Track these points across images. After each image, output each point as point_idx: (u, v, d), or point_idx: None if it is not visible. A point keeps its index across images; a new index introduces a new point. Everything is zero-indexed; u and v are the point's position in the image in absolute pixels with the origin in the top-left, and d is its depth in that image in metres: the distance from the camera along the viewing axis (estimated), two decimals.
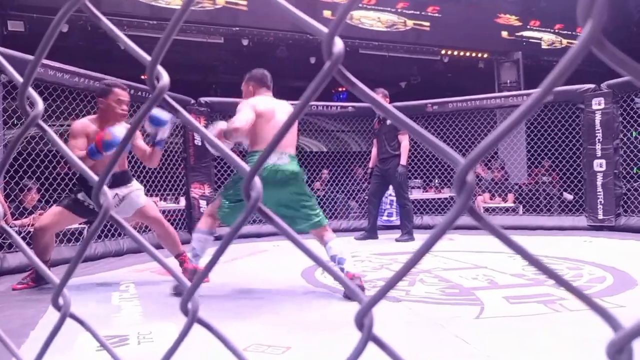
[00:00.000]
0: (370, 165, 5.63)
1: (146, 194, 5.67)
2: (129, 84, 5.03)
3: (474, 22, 8.86)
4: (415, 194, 6.85)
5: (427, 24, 8.72)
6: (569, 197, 6.27)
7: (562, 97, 5.88)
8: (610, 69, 0.31)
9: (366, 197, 6.69)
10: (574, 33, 9.86)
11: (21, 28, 6.65)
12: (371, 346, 0.34)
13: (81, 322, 0.40)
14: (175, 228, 4.67)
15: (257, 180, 0.29)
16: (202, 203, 5.72)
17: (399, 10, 8.58)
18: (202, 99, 5.89)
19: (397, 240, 5.20)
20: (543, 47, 9.80)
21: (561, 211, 6.35)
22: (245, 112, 2.95)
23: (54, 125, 4.81)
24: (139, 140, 3.28)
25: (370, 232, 5.46)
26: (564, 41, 9.92)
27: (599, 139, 5.65)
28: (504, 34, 9.42)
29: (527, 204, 6.66)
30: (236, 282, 3.17)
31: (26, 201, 4.75)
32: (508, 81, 9.50)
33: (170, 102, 0.33)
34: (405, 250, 4.57)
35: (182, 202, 5.82)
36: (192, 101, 5.71)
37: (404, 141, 5.20)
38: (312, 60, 8.75)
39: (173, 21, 0.30)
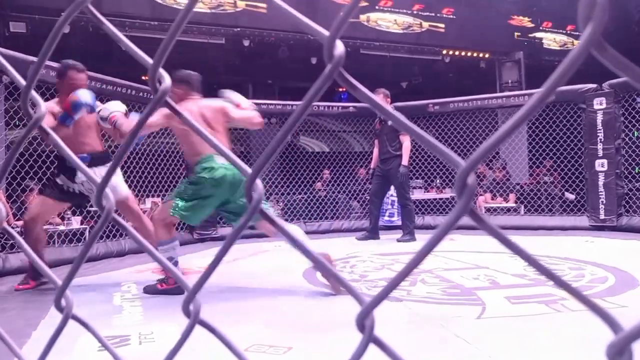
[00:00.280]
0: (372, 165, 5.63)
1: (147, 195, 5.69)
2: (129, 85, 5.06)
3: (488, 24, 8.99)
4: (417, 194, 6.85)
5: (442, 25, 8.85)
6: (571, 196, 6.26)
7: (563, 97, 5.87)
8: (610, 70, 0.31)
9: (368, 197, 6.70)
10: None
11: (23, 29, 6.67)
12: (372, 348, 0.34)
13: (84, 324, 0.40)
14: (176, 228, 4.67)
15: (259, 182, 0.29)
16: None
17: (415, 12, 8.71)
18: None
19: (398, 240, 5.20)
20: (554, 47, 9.84)
21: (563, 211, 6.34)
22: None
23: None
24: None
25: (372, 233, 5.46)
26: (576, 42, 9.96)
27: (600, 139, 5.64)
28: (517, 35, 9.51)
29: (528, 204, 6.65)
30: (238, 283, 3.17)
31: (28, 202, 4.76)
32: (509, 81, 9.49)
33: (172, 105, 0.33)
34: (407, 250, 4.56)
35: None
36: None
37: (406, 142, 5.20)
38: (314, 60, 8.76)
39: (176, 23, 0.30)
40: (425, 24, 8.74)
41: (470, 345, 1.90)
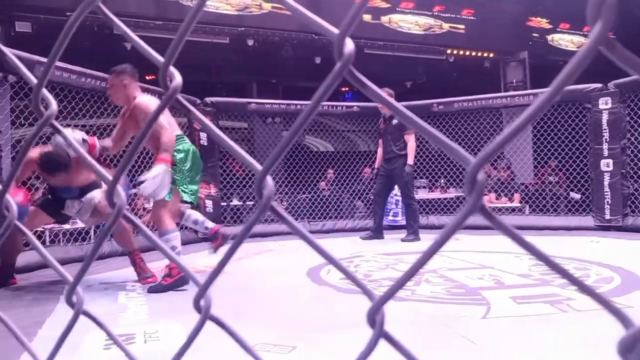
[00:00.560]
0: (376, 165, 5.62)
1: None
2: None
3: (507, 24, 9.08)
4: (421, 194, 6.84)
5: (462, 26, 8.99)
6: (577, 196, 6.23)
7: (568, 96, 5.85)
8: (617, 68, 0.31)
9: (372, 197, 6.69)
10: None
11: (29, 29, 6.70)
12: (381, 344, 0.34)
13: (94, 319, 0.41)
14: (180, 228, 4.71)
15: (269, 179, 0.29)
16: (208, 203, 5.74)
17: (435, 13, 8.84)
18: (208, 99, 5.91)
19: (402, 240, 5.19)
20: (571, 48, 9.91)
21: (568, 211, 6.31)
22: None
23: (61, 124, 4.83)
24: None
25: (376, 232, 5.45)
26: None
27: (606, 139, 5.61)
28: (535, 36, 9.59)
29: (533, 204, 6.63)
30: (242, 281, 3.18)
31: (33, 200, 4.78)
32: (514, 81, 9.46)
33: (183, 102, 0.34)
34: (411, 250, 4.56)
35: (235, 201, 5.86)
36: (198, 101, 5.73)
37: (410, 141, 5.19)
38: (318, 60, 8.75)
39: (186, 22, 0.31)
40: (446, 25, 8.89)
41: (475, 345, 1.90)
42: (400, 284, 0.29)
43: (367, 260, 4.03)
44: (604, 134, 5.62)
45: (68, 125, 5.02)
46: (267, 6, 7.72)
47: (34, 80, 0.37)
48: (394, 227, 6.16)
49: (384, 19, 8.46)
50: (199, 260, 4.04)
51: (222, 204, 6.08)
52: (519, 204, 6.67)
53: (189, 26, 0.31)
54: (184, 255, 4.05)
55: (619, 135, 5.53)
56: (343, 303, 2.67)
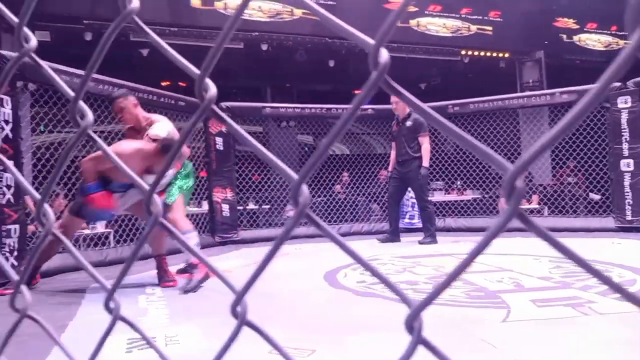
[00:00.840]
0: (390, 168, 5.58)
1: None
2: (150, 90, 5.14)
3: (534, 26, 9.13)
4: (438, 196, 6.80)
5: (490, 28, 9.07)
6: (596, 197, 6.14)
7: None
8: (636, 67, 0.31)
9: (387, 200, 6.66)
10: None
11: (47, 38, 6.83)
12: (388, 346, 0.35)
13: (131, 325, 0.42)
14: (198, 231, 4.75)
15: (304, 188, 0.30)
16: (225, 207, 5.77)
17: (463, 15, 8.93)
18: (223, 104, 5.95)
19: (420, 242, 5.16)
20: (598, 48, 9.89)
21: (587, 212, 6.22)
22: None
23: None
24: None
25: (393, 235, 5.43)
26: (621, 42, 10.00)
27: (625, 139, 5.52)
28: (563, 37, 9.64)
29: (552, 205, 6.55)
30: (259, 285, 3.15)
31: (54, 207, 4.87)
32: (530, 81, 9.36)
33: (218, 112, 0.34)
34: (428, 253, 4.53)
35: (205, 206, 5.89)
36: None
37: (425, 143, 5.16)
38: (331, 63, 8.77)
39: (224, 32, 0.31)
40: (474, 27, 8.98)
41: (496, 348, 1.88)
42: (438, 290, 0.29)
43: (384, 263, 4.01)
44: (623, 133, 5.53)
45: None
46: (298, 12, 7.90)
47: (71, 93, 0.39)
48: (410, 230, 6.13)
49: (412, 22, 8.58)
50: (217, 264, 4.06)
51: (239, 208, 6.12)
52: (537, 206, 6.59)
53: (225, 38, 0.32)
54: None
55: (639, 135, 5.44)
56: (361, 306, 2.66)
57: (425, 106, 0.28)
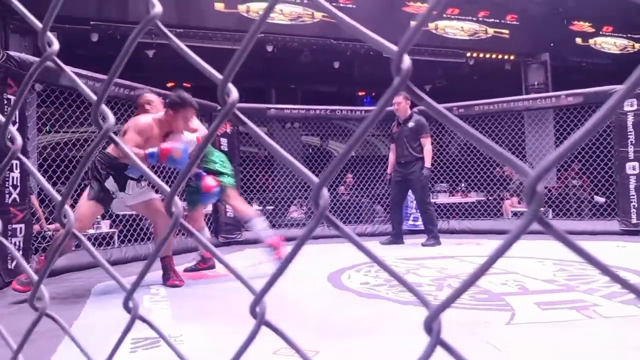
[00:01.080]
0: (389, 171, 5.53)
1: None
2: (156, 91, 5.15)
3: (550, 29, 9.25)
4: (442, 198, 6.79)
5: (507, 31, 9.22)
6: (601, 200, 6.12)
7: (592, 98, 5.75)
8: None
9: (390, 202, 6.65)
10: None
11: (54, 39, 6.86)
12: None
13: (150, 324, 0.42)
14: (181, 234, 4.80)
15: (325, 191, 0.30)
16: (229, 207, 5.77)
17: (480, 18, 9.08)
18: None
19: (423, 244, 5.16)
20: (614, 51, 9.99)
21: (592, 215, 6.20)
22: None
23: (85, 131, 4.95)
24: None
25: (396, 237, 5.41)
26: (637, 45, 10.07)
27: (631, 141, 5.50)
28: (578, 40, 9.75)
29: (556, 208, 6.53)
30: (260, 285, 3.19)
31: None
32: (536, 83, 9.35)
33: (239, 116, 0.35)
34: (432, 255, 4.52)
35: (209, 206, 5.90)
36: (219, 107, 5.79)
37: (427, 144, 5.14)
38: (336, 64, 8.78)
39: (247, 38, 0.32)
40: (491, 30, 9.14)
41: (500, 351, 1.88)
42: (457, 294, 0.30)
43: (380, 257, 4.00)
44: (629, 136, 5.51)
45: (92, 132, 5.13)
46: (319, 15, 8.06)
47: (93, 97, 0.39)
48: (414, 232, 6.12)
49: (431, 25, 8.72)
50: (219, 265, 4.07)
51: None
52: (542, 208, 6.56)
53: (250, 42, 0.32)
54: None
55: None
56: (365, 308, 2.67)
57: (446, 111, 0.29)
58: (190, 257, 4.17)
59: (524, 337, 2.06)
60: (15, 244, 3.54)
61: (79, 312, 2.68)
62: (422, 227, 6.13)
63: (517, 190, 6.81)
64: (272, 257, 3.52)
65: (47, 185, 0.46)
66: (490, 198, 6.75)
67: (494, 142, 0.28)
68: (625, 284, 0.26)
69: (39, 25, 0.44)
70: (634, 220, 5.49)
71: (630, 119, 5.50)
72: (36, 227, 4.41)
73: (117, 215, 5.21)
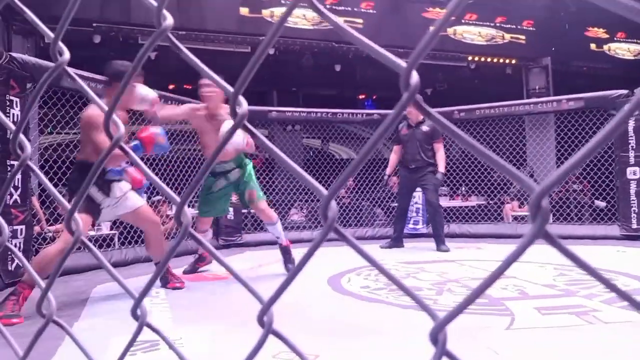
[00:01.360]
0: (388, 172, 5.44)
1: None
2: (159, 94, 5.16)
3: (565, 35, 9.44)
4: (442, 202, 6.78)
5: (523, 37, 9.37)
6: (602, 204, 6.11)
7: (593, 103, 5.76)
8: None
9: (392, 205, 6.65)
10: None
11: (65, 48, 6.89)
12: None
13: (156, 331, 0.43)
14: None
15: (333, 203, 0.31)
16: (229, 209, 5.78)
17: (497, 24, 9.23)
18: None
19: (441, 250, 4.97)
20: (628, 57, 10.19)
21: (593, 220, 6.19)
22: None
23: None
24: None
25: (396, 241, 5.39)
26: None
27: (632, 146, 5.51)
28: (592, 46, 9.94)
29: (557, 213, 6.53)
30: (262, 289, 3.16)
31: (60, 208, 4.89)
32: (537, 87, 9.36)
33: (249, 127, 0.35)
34: (433, 259, 4.52)
35: None
36: None
37: (441, 149, 5.07)
38: (337, 68, 8.79)
39: (261, 48, 0.32)
40: (507, 36, 9.30)
41: (499, 356, 1.88)
42: (463, 306, 0.30)
43: (388, 269, 4.01)
44: (630, 141, 5.52)
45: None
46: (340, 20, 8.10)
47: (105, 107, 0.40)
48: (414, 236, 6.12)
49: (449, 30, 8.86)
50: (220, 267, 4.07)
51: (243, 211, 6.13)
52: (528, 207, 6.55)
53: (263, 52, 0.33)
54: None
55: None
56: (364, 311, 2.67)
57: (454, 127, 0.29)
58: (190, 260, 4.17)
59: (524, 342, 2.06)
60: (16, 245, 3.54)
61: (79, 314, 2.69)
62: (422, 231, 6.14)
63: (517, 195, 6.81)
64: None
65: (55, 192, 0.46)
66: (490, 202, 6.75)
67: (497, 156, 0.29)
68: (629, 299, 0.27)
69: (51, 35, 0.45)
70: (635, 225, 5.49)
71: (631, 124, 5.51)
72: (37, 229, 4.41)
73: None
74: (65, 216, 0.41)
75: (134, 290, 0.51)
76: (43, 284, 0.46)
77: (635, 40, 10.22)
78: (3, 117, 0.47)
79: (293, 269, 0.36)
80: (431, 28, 0.29)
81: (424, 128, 5.07)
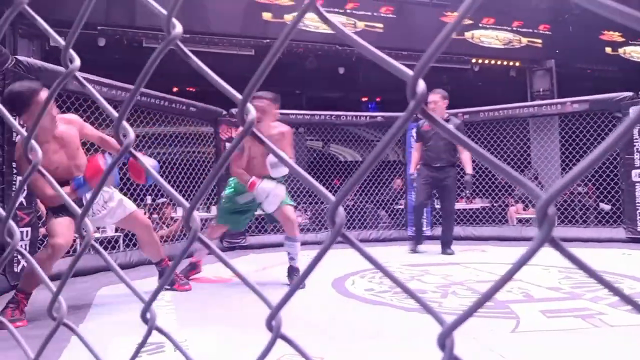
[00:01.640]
0: (412, 170, 5.27)
1: (178, 204, 5.78)
2: (162, 96, 5.19)
3: (581, 39, 9.56)
4: None
5: (540, 41, 9.54)
6: (607, 207, 6.09)
7: (598, 106, 5.74)
8: None
9: (396, 207, 6.64)
10: None
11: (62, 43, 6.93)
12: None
13: (166, 335, 0.43)
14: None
15: (341, 209, 0.31)
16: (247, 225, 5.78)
17: (514, 28, 9.44)
18: (234, 110, 5.99)
19: (447, 253, 4.93)
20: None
21: (598, 222, 6.17)
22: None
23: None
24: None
25: (419, 239, 5.21)
26: None
27: (637, 149, 5.49)
28: (608, 50, 10.09)
29: (562, 215, 6.50)
30: (266, 292, 3.18)
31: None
32: (541, 89, 9.35)
33: (258, 135, 0.36)
34: (437, 261, 4.51)
35: (214, 211, 5.91)
36: (224, 112, 5.82)
37: (466, 150, 4.99)
38: (341, 70, 8.80)
39: (271, 54, 0.33)
40: (524, 40, 9.47)
41: (504, 359, 1.88)
42: (470, 311, 0.31)
43: (392, 271, 4.00)
44: (635, 143, 5.50)
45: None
46: (361, 25, 8.34)
47: (115, 114, 0.40)
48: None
49: (467, 34, 9.03)
50: (224, 270, 4.07)
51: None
52: (534, 214, 6.53)
53: (273, 57, 0.33)
54: (210, 265, 4.10)
55: None
56: (368, 314, 2.67)
57: (464, 137, 0.30)
58: (185, 264, 4.17)
59: (529, 345, 2.05)
60: (21, 247, 3.55)
61: (84, 316, 2.70)
62: (427, 234, 6.12)
63: (522, 197, 6.79)
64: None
65: (67, 197, 0.47)
66: (495, 204, 6.73)
67: (501, 159, 0.29)
68: (638, 307, 0.27)
69: (62, 43, 0.46)
70: None
71: (636, 127, 5.49)
72: (42, 231, 4.43)
73: None
74: (76, 221, 0.42)
75: (141, 292, 0.51)
76: (53, 287, 0.47)
77: None
78: (15, 123, 0.48)
79: (300, 275, 0.37)
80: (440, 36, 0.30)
81: (450, 126, 4.97)
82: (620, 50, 10.09)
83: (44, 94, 2.69)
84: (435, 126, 0.31)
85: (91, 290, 3.41)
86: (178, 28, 0.38)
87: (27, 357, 0.48)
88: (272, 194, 3.37)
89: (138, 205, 3.55)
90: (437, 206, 5.87)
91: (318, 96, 10.29)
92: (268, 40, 7.83)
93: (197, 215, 0.37)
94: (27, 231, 3.61)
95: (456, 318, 0.31)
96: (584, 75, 9.89)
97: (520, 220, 6.57)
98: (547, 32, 9.48)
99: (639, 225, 5.47)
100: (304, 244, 5.63)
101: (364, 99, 11.70)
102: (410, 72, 0.30)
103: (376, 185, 6.93)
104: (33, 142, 0.44)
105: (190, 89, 9.08)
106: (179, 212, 5.48)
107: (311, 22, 7.77)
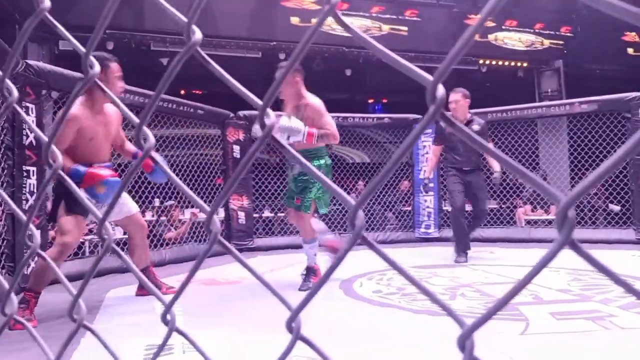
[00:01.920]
0: (427, 174, 5.21)
1: (186, 206, 5.83)
2: (171, 99, 5.22)
3: (602, 40, 9.60)
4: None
5: (562, 42, 9.66)
6: (616, 208, 6.04)
7: (607, 106, 5.70)
8: None
9: (403, 208, 6.62)
10: None
11: (70, 47, 6.99)
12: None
13: (185, 336, 0.44)
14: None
15: (360, 213, 0.32)
16: (241, 214, 5.81)
17: (537, 30, 9.54)
18: (241, 113, 6.01)
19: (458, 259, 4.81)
20: None
21: (607, 224, 6.12)
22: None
23: None
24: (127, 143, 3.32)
25: (464, 247, 4.67)
26: None
27: None
28: (630, 50, 10.19)
29: None
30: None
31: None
32: (549, 90, 9.31)
33: (278, 140, 0.36)
34: (445, 263, 4.50)
35: (221, 213, 5.93)
36: (231, 115, 5.84)
37: (489, 155, 4.92)
38: (348, 72, 8.81)
39: (291, 60, 0.33)
40: (547, 42, 9.57)
41: None
42: (490, 314, 0.31)
43: (412, 275, 3.99)
44: None
45: None
46: (386, 28, 8.47)
47: (135, 120, 0.41)
48: (426, 240, 6.10)
49: (491, 37, 9.14)
50: (231, 272, 4.08)
51: (254, 215, 6.16)
52: (555, 217, 6.51)
53: (296, 60, 0.34)
54: (217, 267, 4.11)
55: None
56: (376, 316, 2.66)
57: (479, 138, 0.30)
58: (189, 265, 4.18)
59: (539, 348, 2.04)
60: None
61: (93, 318, 2.72)
62: (434, 235, 6.11)
63: (530, 198, 6.76)
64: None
65: (86, 200, 0.48)
66: (503, 206, 6.70)
67: (524, 167, 0.29)
68: None
69: (83, 49, 0.46)
70: None
71: None
72: (52, 233, 4.46)
73: None
74: (97, 224, 0.43)
75: (145, 295, 0.52)
76: (74, 290, 0.48)
77: None
78: (35, 128, 0.48)
79: (322, 277, 0.37)
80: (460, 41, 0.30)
81: (475, 127, 4.62)
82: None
83: (114, 65, 3.07)
84: (455, 131, 0.31)
85: (100, 293, 3.43)
86: (198, 34, 0.38)
87: (48, 359, 0.49)
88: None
89: (146, 208, 3.58)
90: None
91: (325, 98, 10.29)
92: (274, 43, 7.85)
93: (217, 219, 0.37)
94: (37, 233, 3.65)
95: (475, 320, 0.31)
96: (593, 76, 9.84)
97: (528, 222, 6.54)
98: (569, 34, 9.57)
99: None
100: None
101: (370, 101, 11.70)
102: (429, 77, 0.30)
103: (383, 187, 6.91)
104: (54, 147, 0.44)
105: (197, 92, 9.13)
106: (187, 215, 5.50)
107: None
